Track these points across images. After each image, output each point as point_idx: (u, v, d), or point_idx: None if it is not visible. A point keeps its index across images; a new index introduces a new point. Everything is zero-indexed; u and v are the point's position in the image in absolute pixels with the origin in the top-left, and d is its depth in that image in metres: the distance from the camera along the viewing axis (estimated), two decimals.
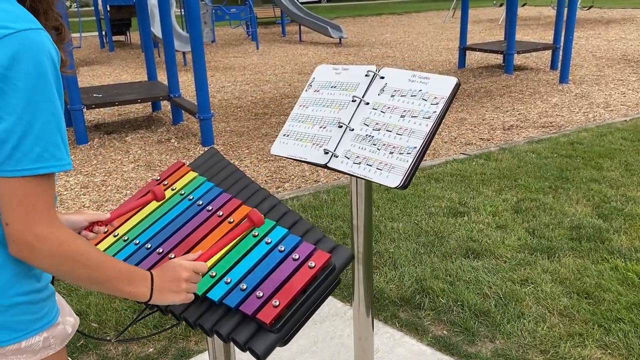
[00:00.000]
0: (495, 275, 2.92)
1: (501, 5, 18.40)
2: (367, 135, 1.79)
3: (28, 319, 1.08)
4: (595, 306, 2.63)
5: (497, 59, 9.97)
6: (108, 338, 2.50)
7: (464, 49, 9.42)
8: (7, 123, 0.93)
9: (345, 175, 4.58)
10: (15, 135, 0.94)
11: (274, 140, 5.68)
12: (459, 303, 2.70)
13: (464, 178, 4.33)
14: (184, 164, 1.79)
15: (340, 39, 13.45)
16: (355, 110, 1.87)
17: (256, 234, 1.45)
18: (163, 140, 5.91)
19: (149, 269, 1.46)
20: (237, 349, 2.48)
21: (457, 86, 1.73)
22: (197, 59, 5.39)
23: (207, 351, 2.44)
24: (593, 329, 2.48)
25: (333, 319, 2.65)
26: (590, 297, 2.71)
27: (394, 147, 1.71)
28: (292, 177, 4.72)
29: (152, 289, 1.13)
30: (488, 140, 5.46)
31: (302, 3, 17.29)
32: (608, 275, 2.88)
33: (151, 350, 2.46)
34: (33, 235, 0.97)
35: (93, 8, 16.19)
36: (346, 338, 2.50)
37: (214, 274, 1.37)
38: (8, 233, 0.97)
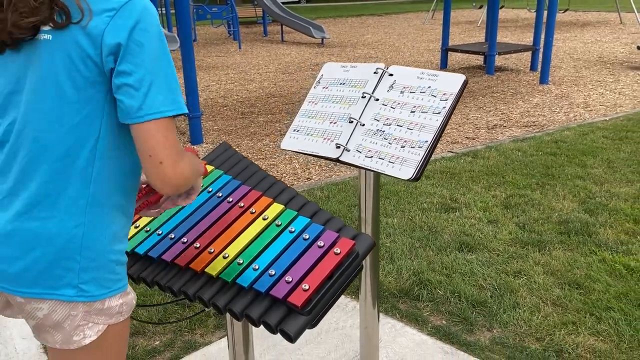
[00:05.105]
0: (489, 268, 3.01)
1: (480, 7, 18.68)
2: (378, 130, 1.86)
3: (113, 277, 1.18)
4: (586, 296, 2.75)
5: (478, 60, 10.14)
6: None
7: (446, 50, 9.56)
8: (139, 74, 1.07)
9: (339, 173, 4.65)
10: (145, 84, 1.07)
11: (263, 139, 5.72)
12: (456, 294, 2.78)
13: (454, 175, 4.43)
14: (198, 157, 1.83)
15: (322, 40, 13.53)
16: (366, 106, 1.93)
17: (279, 223, 1.51)
18: None
19: (173, 260, 1.51)
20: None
21: (465, 83, 1.81)
22: (187, 58, 5.41)
23: (213, 343, 2.49)
24: (585, 317, 2.59)
25: (335, 311, 2.71)
26: (581, 287, 2.82)
27: (405, 141, 1.78)
28: (284, 174, 4.78)
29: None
30: (474, 139, 5.59)
31: (282, 3, 17.30)
32: (597, 267, 3.00)
33: (157, 343, 2.50)
34: (183, 165, 1.13)
35: None
36: (349, 329, 2.57)
37: (241, 262, 1.42)
38: (163, 171, 1.09)
